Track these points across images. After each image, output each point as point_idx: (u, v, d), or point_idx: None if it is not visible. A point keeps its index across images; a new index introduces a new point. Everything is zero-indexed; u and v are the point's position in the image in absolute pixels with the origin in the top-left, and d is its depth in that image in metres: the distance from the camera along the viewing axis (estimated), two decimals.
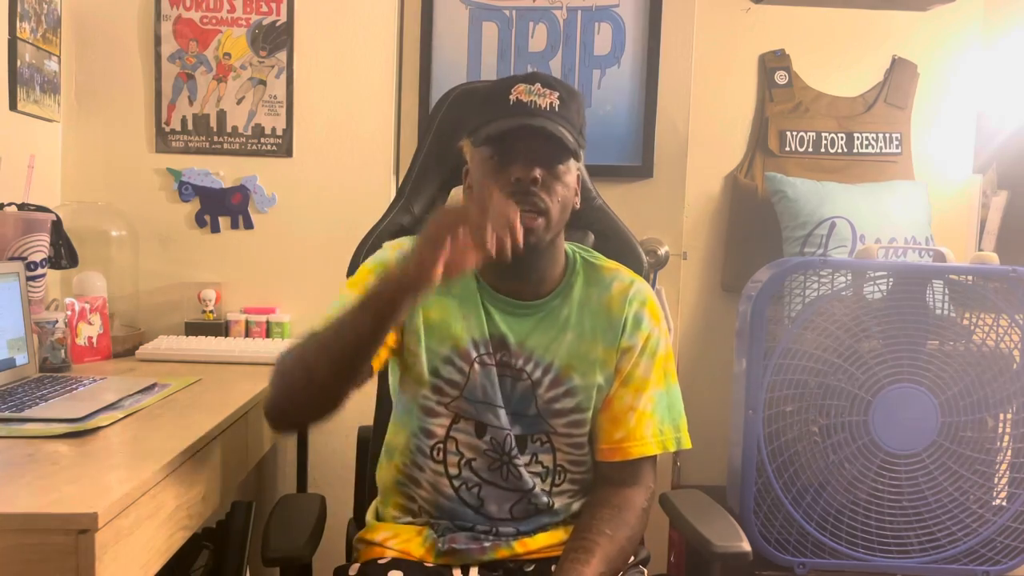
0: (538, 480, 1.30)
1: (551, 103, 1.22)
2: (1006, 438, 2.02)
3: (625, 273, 1.35)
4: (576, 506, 1.33)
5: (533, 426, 1.29)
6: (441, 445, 1.29)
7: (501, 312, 1.29)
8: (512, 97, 1.22)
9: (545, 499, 1.30)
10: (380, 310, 1.09)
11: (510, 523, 1.30)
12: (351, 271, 1.52)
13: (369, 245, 1.54)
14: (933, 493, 1.97)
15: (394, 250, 1.32)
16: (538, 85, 1.23)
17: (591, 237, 1.56)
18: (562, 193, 1.23)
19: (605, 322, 1.30)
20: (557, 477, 1.31)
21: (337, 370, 1.12)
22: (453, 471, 1.29)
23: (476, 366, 1.26)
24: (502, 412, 1.27)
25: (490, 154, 1.23)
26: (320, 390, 1.14)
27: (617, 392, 1.29)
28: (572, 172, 1.26)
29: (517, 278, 1.28)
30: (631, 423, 1.28)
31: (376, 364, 1.24)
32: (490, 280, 1.30)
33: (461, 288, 1.28)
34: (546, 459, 1.30)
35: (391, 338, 1.26)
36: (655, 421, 1.29)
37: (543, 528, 1.31)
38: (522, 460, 1.28)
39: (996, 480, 2.02)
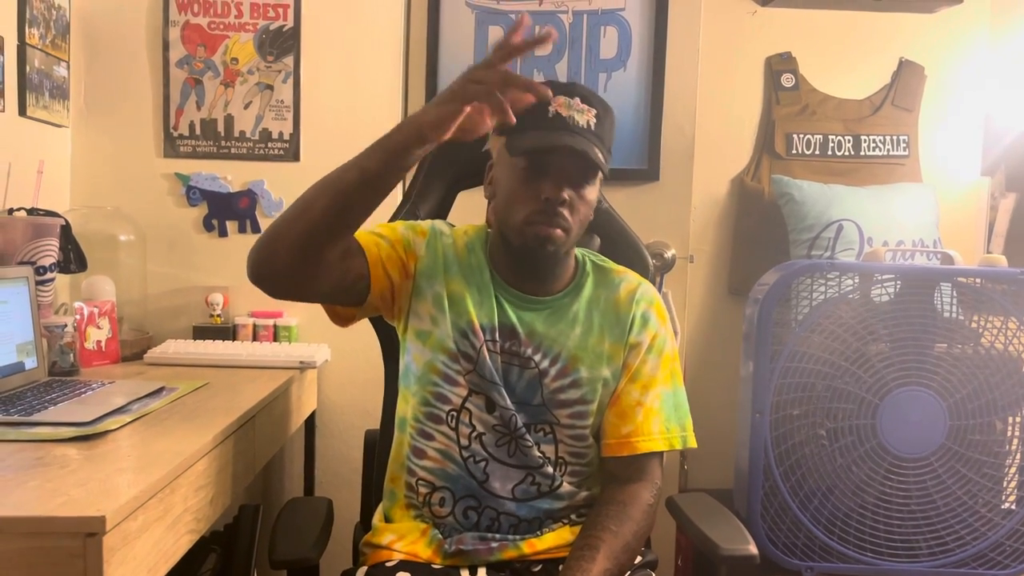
0: (544, 459, 1.31)
1: (588, 120, 1.25)
2: (1015, 441, 2.01)
3: (632, 276, 1.40)
4: (582, 496, 1.33)
5: (537, 415, 1.31)
6: (455, 413, 1.31)
7: (512, 305, 1.32)
8: (552, 109, 1.23)
9: (551, 478, 1.30)
10: (390, 148, 1.13)
11: (511, 503, 1.30)
12: None
13: None
14: (942, 497, 1.96)
15: (429, 222, 1.39)
16: (577, 100, 1.25)
17: (597, 240, 1.56)
18: (584, 211, 1.28)
19: (613, 319, 1.33)
20: (559, 468, 1.32)
21: (334, 207, 1.15)
22: (464, 442, 1.30)
23: (484, 348, 1.30)
24: (505, 392, 1.29)
25: (523, 164, 1.25)
26: (310, 224, 1.15)
27: (625, 388, 1.32)
28: (596, 190, 1.30)
29: (529, 277, 1.33)
30: (638, 418, 1.30)
31: (375, 284, 1.28)
32: (504, 275, 1.34)
33: (476, 278, 1.33)
34: (548, 450, 1.31)
35: (392, 277, 1.29)
36: (662, 418, 1.31)
37: (548, 525, 1.32)
38: (529, 440, 1.30)
39: (1005, 484, 2.01)
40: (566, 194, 1.23)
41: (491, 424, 1.30)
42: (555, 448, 1.32)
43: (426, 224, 1.38)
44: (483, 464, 1.30)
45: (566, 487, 1.32)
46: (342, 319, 1.34)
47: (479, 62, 1.09)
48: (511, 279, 1.33)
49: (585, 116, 1.25)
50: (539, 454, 1.30)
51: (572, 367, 1.31)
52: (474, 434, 1.30)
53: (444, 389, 1.31)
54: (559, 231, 1.25)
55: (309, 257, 1.17)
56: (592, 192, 1.28)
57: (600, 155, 1.24)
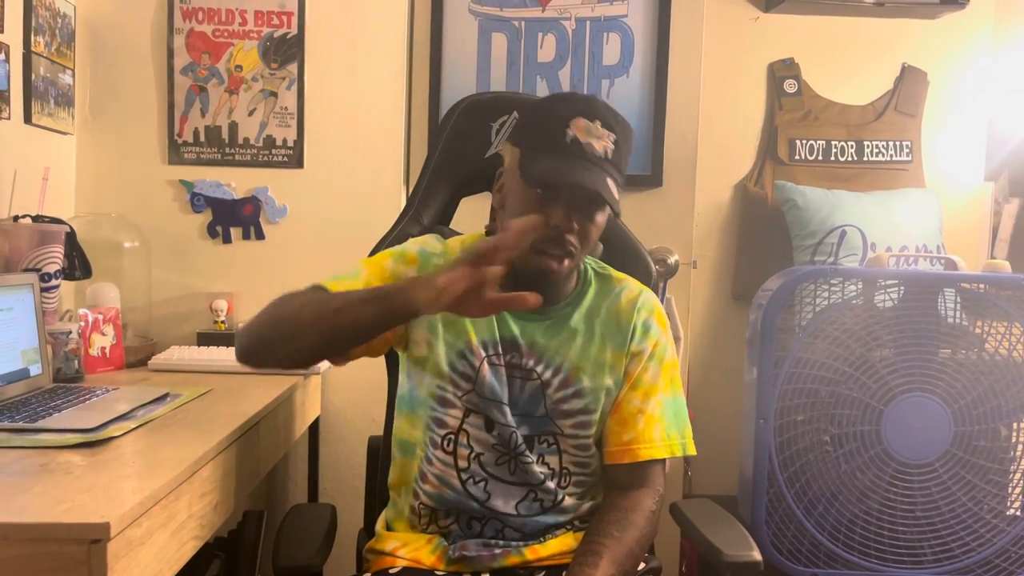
0: (546, 473, 1.30)
1: (606, 148, 1.20)
2: (1020, 447, 2.00)
3: (633, 283, 1.39)
4: (585, 507, 1.33)
5: (540, 427, 1.30)
6: (453, 436, 1.30)
7: (512, 315, 1.31)
8: (570, 133, 1.19)
9: (553, 494, 1.30)
10: (382, 312, 1.14)
11: (516, 519, 1.30)
12: None
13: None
14: (946, 503, 1.96)
15: (415, 245, 1.35)
16: (598, 124, 1.20)
17: (600, 247, 1.56)
18: (594, 236, 1.27)
19: (615, 327, 1.33)
20: (563, 479, 1.32)
21: (324, 342, 1.19)
22: (462, 464, 1.30)
23: (485, 364, 1.29)
24: (507, 410, 1.29)
25: (535, 189, 1.21)
26: (298, 350, 1.20)
27: (626, 395, 1.31)
28: (605, 214, 1.26)
29: (531, 289, 1.28)
30: (640, 426, 1.30)
31: (371, 353, 1.31)
32: (504, 286, 1.28)
33: None
34: (552, 460, 1.31)
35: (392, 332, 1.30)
36: (663, 425, 1.31)
37: (552, 532, 1.32)
38: (530, 458, 1.29)
39: (1010, 490, 2.01)
40: (575, 225, 1.21)
41: (490, 443, 1.29)
42: (559, 459, 1.31)
43: (414, 248, 1.34)
44: (483, 484, 1.30)
45: (569, 500, 1.32)
46: (352, 358, 1.32)
47: (464, 257, 1.08)
48: (512, 290, 1.29)
49: (603, 143, 1.19)
50: (540, 470, 1.30)
51: (574, 377, 1.30)
52: (472, 455, 1.29)
53: (439, 412, 1.30)
54: (565, 262, 1.23)
55: (298, 361, 1.25)
56: (602, 217, 1.26)
57: (613, 188, 1.21)
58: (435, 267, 1.31)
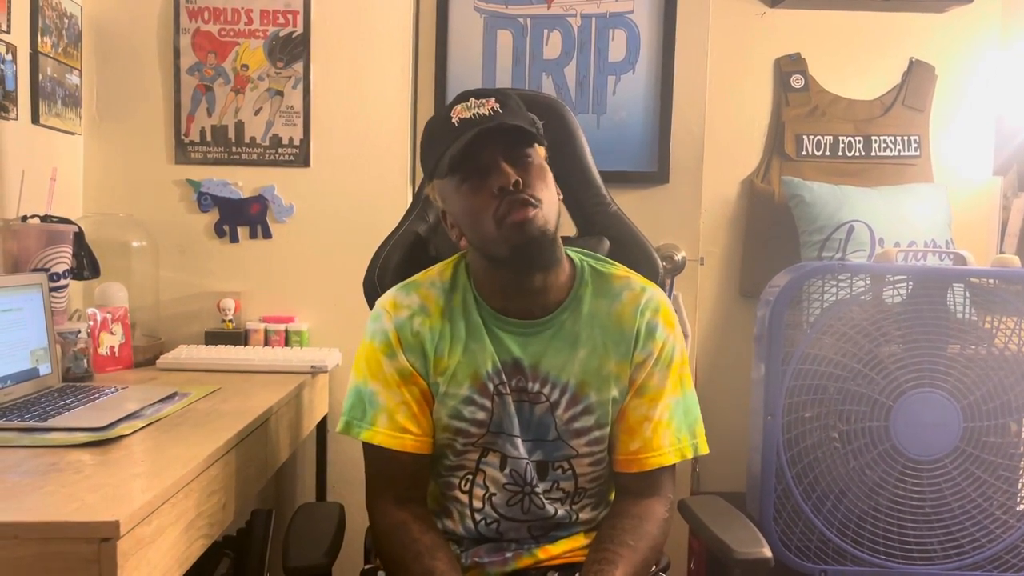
0: (558, 505, 1.30)
1: (492, 108, 1.21)
2: None
3: (636, 280, 1.32)
4: (602, 515, 1.33)
5: (554, 451, 1.28)
6: (471, 476, 1.29)
7: (511, 335, 1.27)
8: (454, 120, 1.21)
9: (567, 516, 1.30)
10: None
11: (529, 539, 1.30)
12: (366, 283, 1.52)
13: (384, 254, 1.55)
14: (956, 499, 1.95)
15: (389, 316, 1.28)
16: (472, 99, 1.22)
17: (606, 243, 1.56)
18: (537, 175, 1.21)
19: (617, 335, 1.27)
20: (577, 497, 1.31)
21: None
22: (477, 504, 1.29)
23: (496, 398, 1.25)
24: (519, 441, 1.26)
25: (461, 179, 1.21)
26: None
27: (631, 403, 1.28)
28: (546, 167, 1.24)
29: (524, 294, 1.26)
30: (647, 434, 1.27)
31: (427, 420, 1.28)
32: (496, 304, 1.28)
33: (464, 324, 1.27)
34: (567, 485, 1.30)
35: (423, 402, 1.28)
36: (672, 430, 1.28)
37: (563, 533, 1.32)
38: (542, 487, 1.28)
39: (1020, 485, 2.00)
40: (510, 172, 1.17)
41: (502, 483, 1.28)
42: (574, 483, 1.30)
43: (389, 325, 1.27)
44: (495, 525, 1.29)
45: (584, 515, 1.31)
46: None
47: None
48: (505, 305, 1.27)
49: (486, 107, 1.20)
50: (552, 506, 1.28)
51: (582, 393, 1.26)
52: (487, 495, 1.29)
53: (453, 460, 1.30)
54: (531, 211, 1.17)
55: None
56: (544, 170, 1.22)
57: (522, 123, 1.19)
58: (414, 331, 1.26)
